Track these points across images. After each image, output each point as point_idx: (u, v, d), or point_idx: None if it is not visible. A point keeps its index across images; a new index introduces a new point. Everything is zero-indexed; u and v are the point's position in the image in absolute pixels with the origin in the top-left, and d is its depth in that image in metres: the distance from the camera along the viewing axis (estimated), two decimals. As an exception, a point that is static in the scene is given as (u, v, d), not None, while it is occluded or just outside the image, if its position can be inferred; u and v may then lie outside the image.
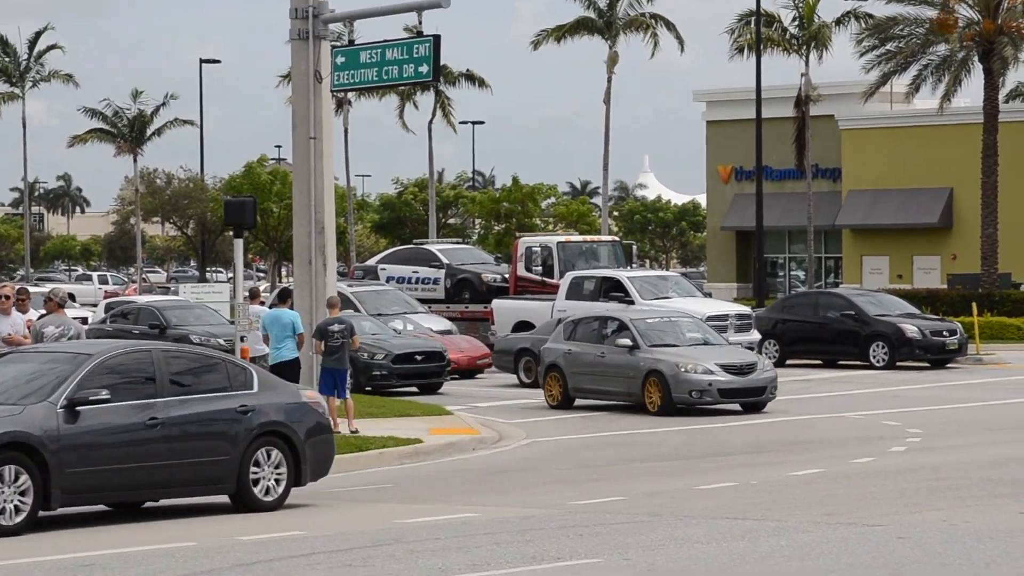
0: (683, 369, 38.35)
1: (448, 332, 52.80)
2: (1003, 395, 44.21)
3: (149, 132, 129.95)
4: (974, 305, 65.08)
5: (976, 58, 76.67)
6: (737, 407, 39.20)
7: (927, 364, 55.24)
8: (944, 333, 56.40)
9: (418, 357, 47.42)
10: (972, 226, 79.87)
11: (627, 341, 39.77)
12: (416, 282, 64.28)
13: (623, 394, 39.69)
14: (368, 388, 45.69)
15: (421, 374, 47.51)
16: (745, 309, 57.05)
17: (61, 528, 23.09)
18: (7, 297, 30.02)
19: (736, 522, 22.60)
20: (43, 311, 30.69)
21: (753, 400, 38.99)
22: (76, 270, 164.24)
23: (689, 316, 44.38)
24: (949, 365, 55.59)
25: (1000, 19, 75.73)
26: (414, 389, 46.46)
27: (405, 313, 55.25)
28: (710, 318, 48.51)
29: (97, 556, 20.53)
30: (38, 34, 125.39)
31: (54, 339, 28.03)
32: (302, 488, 24.87)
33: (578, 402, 41.00)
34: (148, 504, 24.73)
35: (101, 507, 24.41)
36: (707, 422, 37.53)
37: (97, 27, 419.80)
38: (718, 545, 20.62)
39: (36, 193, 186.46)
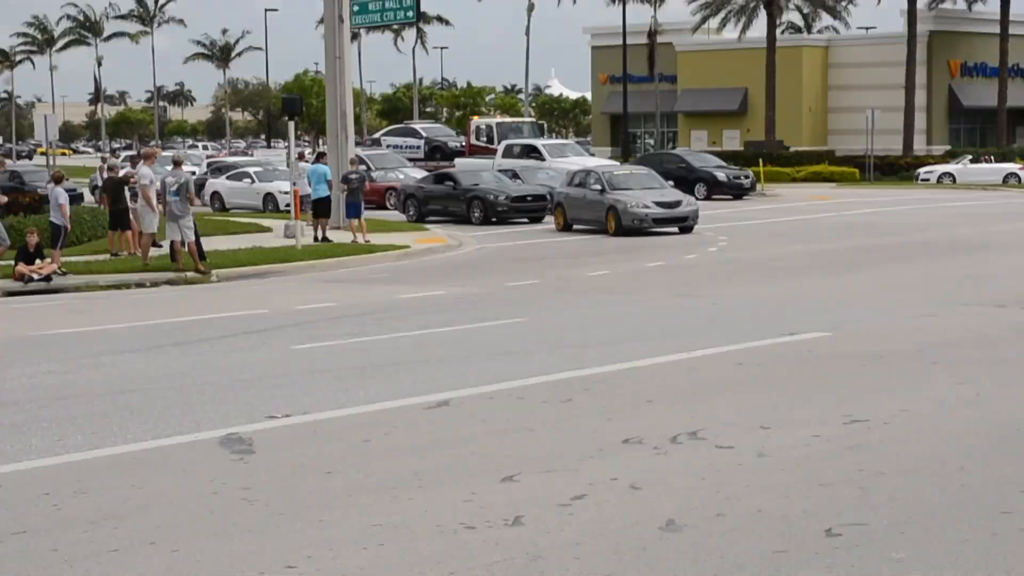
0: (629, 205, 37.21)
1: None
2: (779, 216, 44.31)
3: (233, 55, 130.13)
4: (760, 160, 65.35)
5: (762, 6, 76.58)
6: (675, 229, 37.48)
7: (731, 197, 55.39)
8: (742, 177, 56.73)
9: (529, 199, 42.86)
10: (759, 111, 79.99)
11: (598, 186, 38.49)
12: (405, 148, 64.26)
13: (596, 221, 38.21)
14: (493, 219, 42.03)
15: (531, 209, 42.59)
16: (615, 163, 57.03)
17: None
18: (153, 156, 30.64)
19: (611, 295, 22.75)
20: (169, 166, 30.79)
21: (681, 225, 37.46)
22: (189, 141, 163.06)
23: (644, 169, 42.20)
24: (745, 198, 55.75)
25: (779, -21, 75.64)
26: (526, 220, 42.58)
27: (399, 167, 55.06)
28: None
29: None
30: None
31: (171, 186, 28.15)
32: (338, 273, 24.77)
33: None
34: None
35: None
36: (628, 239, 37.27)
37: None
38: (598, 309, 20.79)
39: (162, 93, 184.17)
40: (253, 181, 51.05)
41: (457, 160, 58.19)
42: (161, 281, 27.08)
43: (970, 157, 68.56)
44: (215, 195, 52.10)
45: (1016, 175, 65.34)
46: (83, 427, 12.37)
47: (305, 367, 15.56)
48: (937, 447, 10.81)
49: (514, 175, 47.17)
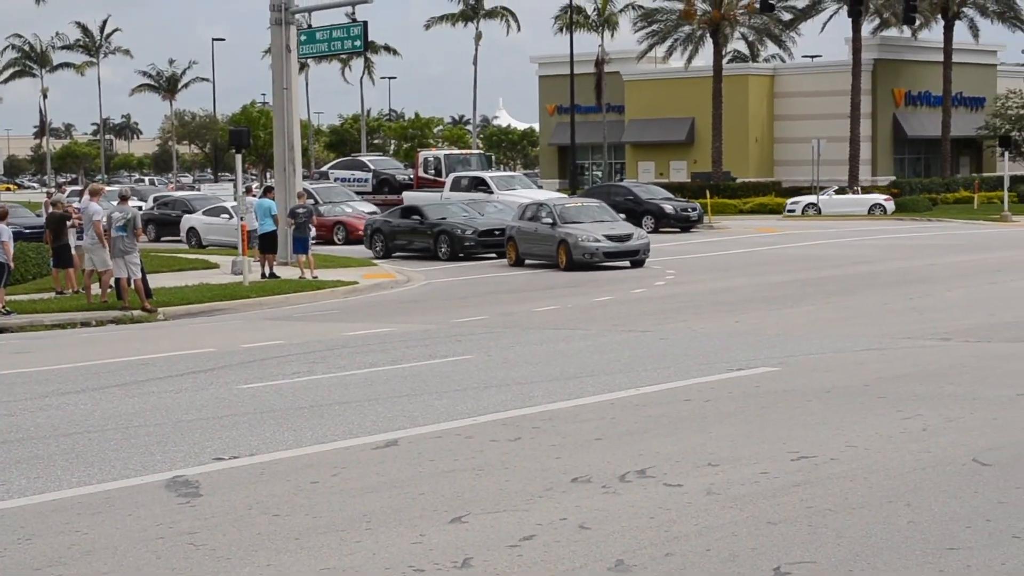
0: (580, 239, 37.01)
1: (374, 214, 52.70)
2: (726, 248, 44.60)
3: (180, 85, 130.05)
4: (707, 191, 65.71)
5: (708, 34, 76.98)
6: (627, 263, 37.41)
7: (678, 230, 55.64)
8: (689, 209, 57.02)
9: (497, 232, 41.77)
10: (706, 142, 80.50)
11: (549, 220, 38.27)
12: (353, 181, 64.16)
13: (548, 255, 37.99)
14: (461, 254, 41.75)
15: (499, 244, 41.33)
16: (563, 195, 57.19)
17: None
18: (100, 191, 30.44)
19: (559, 331, 22.78)
20: (115, 201, 30.62)
21: (632, 259, 37.30)
22: (134, 176, 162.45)
23: (596, 202, 42.04)
24: (692, 230, 56.00)
25: (723, 9, 76.06)
26: (494, 255, 41.83)
27: (347, 201, 55.02)
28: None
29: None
30: (104, 22, 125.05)
31: (118, 221, 27.95)
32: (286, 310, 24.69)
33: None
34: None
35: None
36: (578, 273, 37.36)
37: (143, 15, 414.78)
38: (546, 345, 20.80)
39: (108, 126, 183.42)
40: (231, 217, 50.96)
41: (405, 194, 58.20)
42: (107, 320, 26.94)
43: (836, 188, 69.53)
44: (191, 231, 51.60)
45: (881, 206, 66.35)
46: (27, 471, 12.26)
47: (252, 407, 15.49)
48: (884, 483, 10.87)
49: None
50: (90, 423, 14.75)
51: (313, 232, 37.40)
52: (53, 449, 13.32)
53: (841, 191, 68.96)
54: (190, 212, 53.44)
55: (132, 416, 15.14)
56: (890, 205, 66.78)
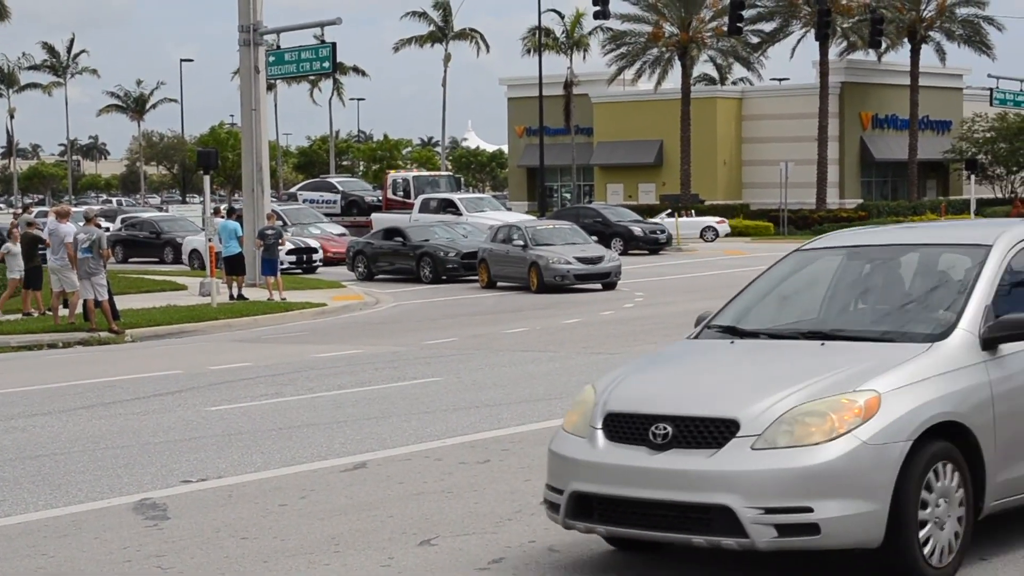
0: (551, 261, 36.92)
1: (343, 235, 52.64)
2: (694, 271, 44.72)
3: (148, 106, 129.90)
4: (675, 213, 65.80)
5: (676, 57, 77.27)
6: (598, 286, 37.30)
7: (647, 252, 55.77)
8: (657, 232, 57.15)
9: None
10: (675, 164, 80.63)
11: (520, 242, 38.12)
12: (322, 203, 64.15)
13: (519, 278, 37.82)
14: (444, 277, 41.06)
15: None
16: (531, 217, 57.29)
17: (95, 363, 22.94)
18: (67, 214, 30.31)
19: (528, 353, 22.77)
20: (81, 222, 30.35)
21: (603, 281, 37.21)
22: (102, 196, 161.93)
23: (567, 224, 41.94)
24: (660, 252, 56.16)
25: (691, 32, 76.36)
26: (474, 277, 40.41)
27: (315, 222, 55.00)
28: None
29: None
30: (71, 42, 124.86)
31: (84, 243, 27.64)
32: (254, 332, 24.57)
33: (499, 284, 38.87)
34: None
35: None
36: (549, 295, 37.43)
37: (111, 35, 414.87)
38: (515, 368, 20.74)
39: (75, 146, 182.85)
40: None
41: (374, 216, 58.18)
42: (74, 341, 26.80)
43: (668, 211, 69.49)
44: (194, 253, 51.21)
45: (713, 228, 66.74)
46: (-7, 494, 12.21)
47: (220, 429, 15.45)
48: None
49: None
50: (57, 445, 14.69)
51: (284, 253, 37.20)
52: (19, 472, 13.26)
53: (671, 215, 67.66)
54: (157, 233, 53.22)
55: (99, 438, 15.08)
56: (723, 228, 67.17)
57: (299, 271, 45.58)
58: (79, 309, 28.46)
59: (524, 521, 10.60)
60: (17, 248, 31.11)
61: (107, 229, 51.50)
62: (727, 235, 66.73)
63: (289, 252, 45.16)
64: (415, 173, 70.46)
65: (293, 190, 73.55)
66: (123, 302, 30.66)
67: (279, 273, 35.65)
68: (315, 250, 46.87)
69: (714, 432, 8.18)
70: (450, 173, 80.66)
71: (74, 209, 43.26)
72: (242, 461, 13.41)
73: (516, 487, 11.85)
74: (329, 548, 9.98)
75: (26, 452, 14.32)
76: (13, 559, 9.95)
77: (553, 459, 9.13)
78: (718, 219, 68.29)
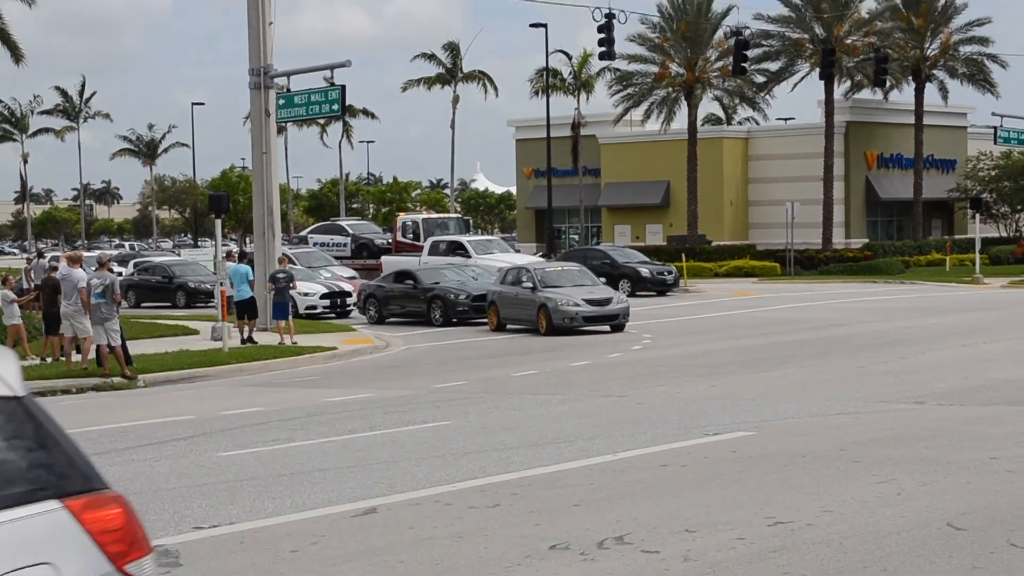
0: (560, 303, 36.83)
1: (353, 278, 52.68)
2: (702, 312, 44.73)
3: (159, 150, 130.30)
4: (683, 255, 65.90)
5: (683, 97, 77.46)
6: (606, 327, 37.08)
7: (655, 293, 55.77)
8: (665, 273, 57.16)
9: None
10: (681, 205, 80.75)
11: (529, 284, 38.06)
12: (332, 246, 64.23)
13: (528, 320, 37.76)
14: (454, 319, 41.15)
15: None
16: (540, 259, 57.34)
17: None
18: (79, 259, 30.41)
19: (537, 396, 22.81)
20: (94, 268, 30.47)
21: (612, 323, 37.03)
22: (115, 241, 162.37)
23: (576, 266, 41.84)
24: (668, 294, 56.14)
25: (697, 73, 76.54)
26: (484, 319, 40.33)
27: (326, 265, 55.06)
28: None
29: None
30: (83, 87, 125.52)
31: (97, 288, 27.79)
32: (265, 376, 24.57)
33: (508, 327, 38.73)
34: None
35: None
36: (558, 338, 37.44)
37: (123, 80, 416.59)
38: (524, 411, 20.82)
39: (88, 191, 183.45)
40: None
41: (384, 258, 58.30)
42: (87, 387, 26.85)
43: (542, 253, 69.26)
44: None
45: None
46: (8, 542, 12.21)
47: (232, 475, 15.48)
48: (859, 548, 10.91)
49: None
50: (70, 492, 14.68)
51: (318, 297, 36.86)
52: (33, 519, 13.26)
53: (546, 255, 67.07)
54: (169, 277, 53.32)
55: (112, 485, 15.05)
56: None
57: (332, 315, 45.04)
58: (92, 355, 28.52)
59: (534, 566, 10.60)
60: (12, 295, 31.29)
61: (120, 274, 51.93)
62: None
63: (323, 296, 45.54)
64: (425, 216, 70.61)
65: (304, 233, 73.74)
66: (136, 347, 30.75)
67: (290, 317, 35.71)
68: (348, 293, 46.25)
69: None
70: (459, 215, 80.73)
71: (86, 254, 43.44)
72: (254, 507, 13.43)
73: (526, 532, 11.85)
74: (340, 595, 9.98)
75: (40, 499, 14.33)
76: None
77: None
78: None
